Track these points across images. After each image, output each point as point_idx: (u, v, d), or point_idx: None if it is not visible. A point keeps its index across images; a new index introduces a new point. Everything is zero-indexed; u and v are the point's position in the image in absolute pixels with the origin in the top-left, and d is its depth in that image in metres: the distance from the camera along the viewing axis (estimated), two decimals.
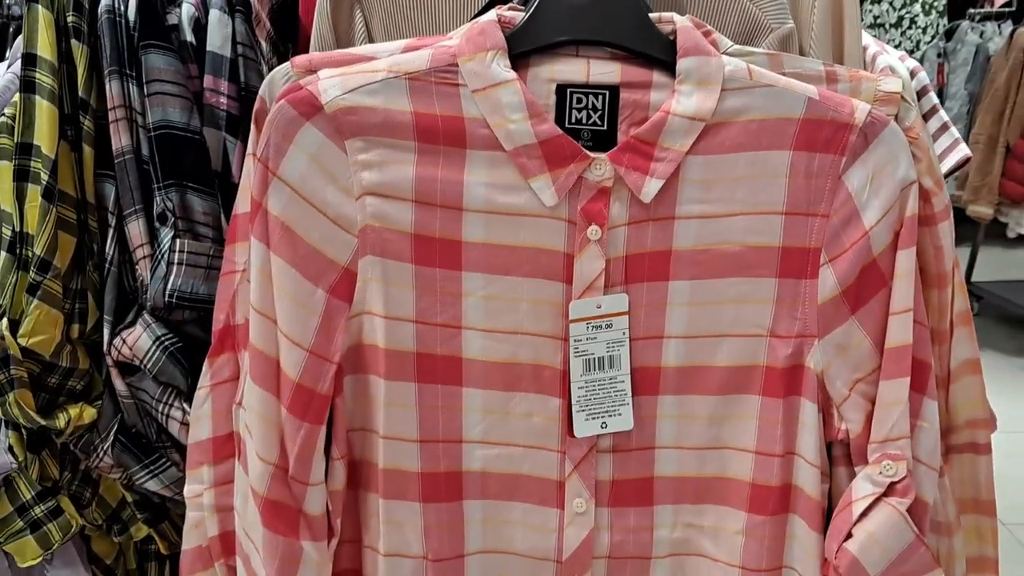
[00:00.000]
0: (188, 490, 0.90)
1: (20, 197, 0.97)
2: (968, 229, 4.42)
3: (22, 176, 0.97)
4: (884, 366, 0.77)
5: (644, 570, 0.85)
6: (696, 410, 0.81)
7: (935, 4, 5.07)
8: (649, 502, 0.83)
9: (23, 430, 0.99)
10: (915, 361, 0.76)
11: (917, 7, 5.05)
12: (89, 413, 1.01)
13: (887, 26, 5.10)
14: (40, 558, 1.02)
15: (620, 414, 0.80)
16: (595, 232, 0.76)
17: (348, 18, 0.97)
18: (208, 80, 1.00)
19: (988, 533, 0.84)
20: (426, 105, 0.75)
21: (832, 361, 0.77)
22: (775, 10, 0.93)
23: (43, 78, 0.96)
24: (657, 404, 0.81)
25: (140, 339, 0.98)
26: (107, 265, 1.00)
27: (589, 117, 0.77)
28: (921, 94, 1.30)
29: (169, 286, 0.96)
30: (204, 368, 0.89)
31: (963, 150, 1.30)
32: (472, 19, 0.80)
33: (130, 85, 0.97)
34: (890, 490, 0.76)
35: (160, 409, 1.00)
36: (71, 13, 0.97)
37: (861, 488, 0.77)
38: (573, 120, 0.77)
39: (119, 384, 1.00)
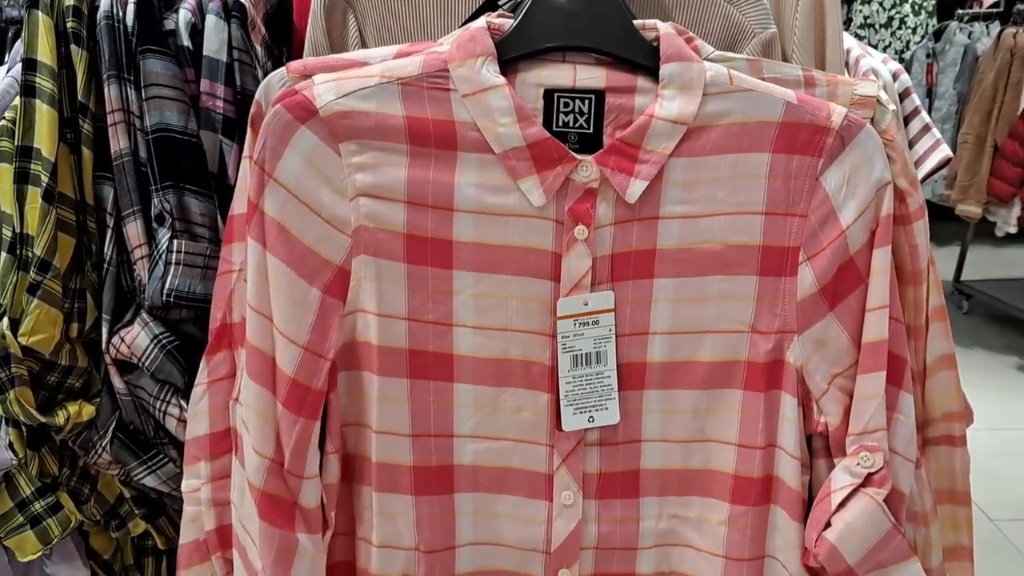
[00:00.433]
0: (185, 485, 0.92)
1: (20, 199, 0.98)
2: (957, 228, 4.47)
3: (22, 178, 0.98)
4: (861, 361, 0.79)
5: (631, 561, 0.87)
6: (680, 404, 0.83)
7: (924, 5, 5.11)
8: (635, 494, 0.86)
9: (23, 427, 1.01)
10: (891, 356, 0.79)
11: (907, 7, 5.09)
12: (88, 410, 1.02)
13: (877, 26, 5.14)
14: (39, 553, 1.04)
15: (607, 408, 0.83)
16: (582, 232, 0.79)
17: (341, 23, 0.99)
18: (205, 84, 1.01)
19: (963, 523, 0.87)
20: (418, 109, 0.78)
21: (811, 356, 0.80)
22: (758, 15, 0.95)
23: (43, 82, 0.98)
24: (643, 398, 0.83)
25: (138, 338, 1.00)
26: (106, 265, 1.01)
27: (576, 120, 0.79)
28: (903, 96, 1.33)
29: (167, 286, 0.98)
30: (201, 365, 0.91)
31: (944, 151, 1.32)
32: (462, 26, 0.83)
33: (128, 89, 0.99)
34: (867, 481, 0.78)
35: (158, 406, 1.01)
36: (70, 19, 0.99)
37: (840, 479, 0.79)
38: (560, 123, 0.79)
39: (117, 382, 1.02)
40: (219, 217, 1.01)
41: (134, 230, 1.00)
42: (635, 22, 0.79)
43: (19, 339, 0.97)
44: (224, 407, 0.89)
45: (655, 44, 0.79)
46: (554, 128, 0.79)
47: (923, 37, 4.91)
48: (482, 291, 0.81)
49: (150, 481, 1.04)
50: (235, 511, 0.87)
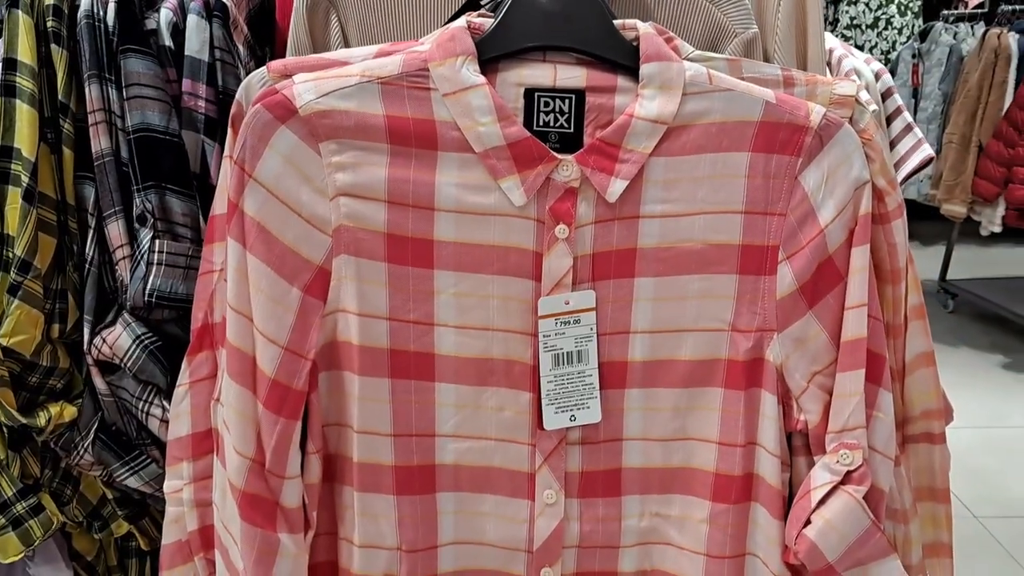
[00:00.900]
0: (168, 486, 0.92)
1: (0, 199, 0.98)
2: (942, 228, 4.49)
3: (2, 179, 0.98)
4: (840, 359, 0.80)
5: (613, 559, 0.87)
6: (662, 403, 0.84)
7: (910, 5, 5.14)
8: (617, 492, 0.86)
9: (4, 428, 1.01)
10: (870, 354, 0.79)
11: (892, 8, 5.12)
12: (69, 411, 1.02)
13: (863, 27, 5.16)
14: (21, 554, 1.03)
15: (588, 407, 0.83)
16: (563, 231, 0.79)
17: (324, 23, 0.99)
18: (186, 84, 1.01)
19: (943, 520, 0.88)
20: (398, 108, 0.78)
21: (791, 354, 0.80)
22: (739, 15, 0.96)
23: (23, 82, 0.97)
24: (624, 397, 0.84)
25: (120, 338, 1.00)
26: (87, 266, 1.01)
27: (556, 120, 0.79)
28: (886, 96, 1.34)
29: (149, 286, 0.98)
30: (183, 366, 0.90)
31: (926, 150, 1.33)
32: (443, 25, 0.83)
33: (109, 89, 0.99)
34: (847, 478, 0.79)
35: (140, 407, 1.01)
36: (50, 18, 0.98)
37: (819, 477, 0.80)
38: (541, 123, 0.79)
39: (99, 382, 1.02)
40: (201, 217, 1.01)
41: (116, 230, 1.00)
42: (615, 22, 0.80)
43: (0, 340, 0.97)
44: (206, 407, 0.89)
45: (635, 44, 0.79)
46: (535, 127, 0.79)
47: (909, 38, 4.94)
48: (463, 290, 0.81)
49: (133, 482, 1.04)
50: (217, 511, 0.86)
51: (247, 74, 0.96)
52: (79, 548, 1.15)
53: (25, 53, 0.98)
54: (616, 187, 0.78)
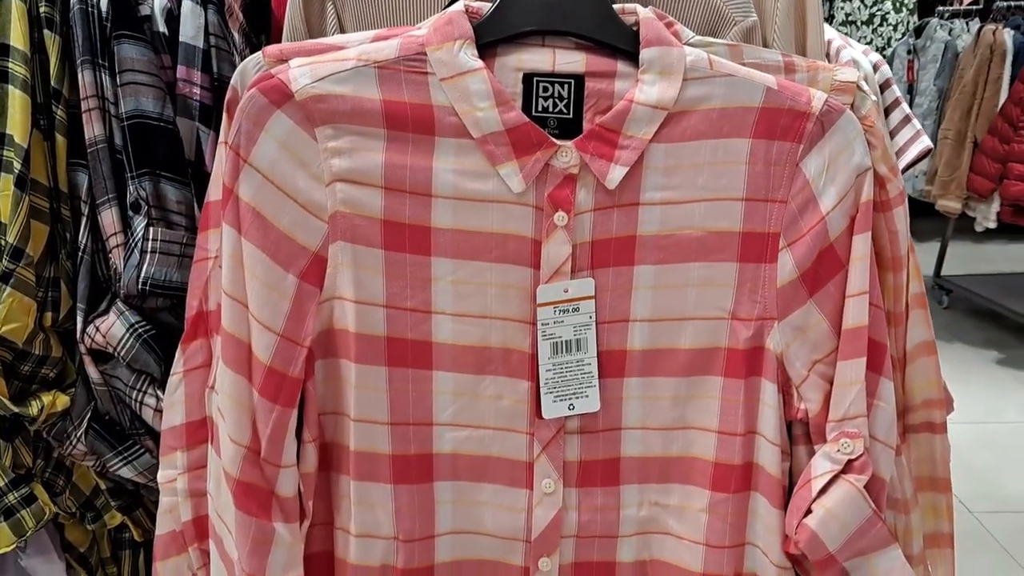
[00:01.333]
0: (162, 475, 0.91)
1: None
2: (937, 224, 4.49)
3: None
4: (841, 347, 0.79)
5: (611, 549, 0.87)
6: (661, 391, 0.83)
7: (905, 1, 5.14)
8: (616, 482, 0.85)
9: None
10: (871, 342, 0.79)
11: (888, 4, 5.12)
12: (62, 401, 1.01)
13: (859, 23, 5.17)
14: (13, 545, 1.02)
15: (587, 396, 0.82)
16: (562, 218, 0.78)
17: (320, 10, 0.98)
18: (181, 71, 1.01)
19: (944, 510, 0.87)
20: (395, 93, 0.77)
21: (791, 343, 0.80)
22: (739, 3, 0.95)
23: (16, 68, 0.96)
24: (623, 386, 0.83)
25: (113, 327, 0.99)
26: (80, 253, 1.00)
27: (555, 105, 0.78)
28: (884, 87, 1.33)
29: (142, 274, 0.97)
30: (177, 355, 0.90)
31: (924, 142, 1.32)
32: (441, 10, 0.82)
33: (103, 75, 0.98)
34: (848, 467, 0.78)
35: (134, 396, 1.00)
36: (43, 3, 0.97)
37: (820, 466, 0.79)
38: (540, 108, 0.78)
39: (92, 372, 1.01)
40: (196, 205, 1.00)
41: (109, 218, 0.99)
42: (615, 6, 0.79)
43: None
44: (201, 396, 0.88)
45: (635, 29, 0.78)
46: (533, 113, 0.78)
47: (904, 34, 4.94)
48: (461, 278, 0.80)
49: (126, 472, 1.03)
50: (211, 501, 0.86)
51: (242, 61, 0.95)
52: (72, 539, 1.14)
53: (18, 39, 0.96)
54: (616, 174, 0.77)
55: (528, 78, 0.78)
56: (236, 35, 1.06)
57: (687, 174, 0.78)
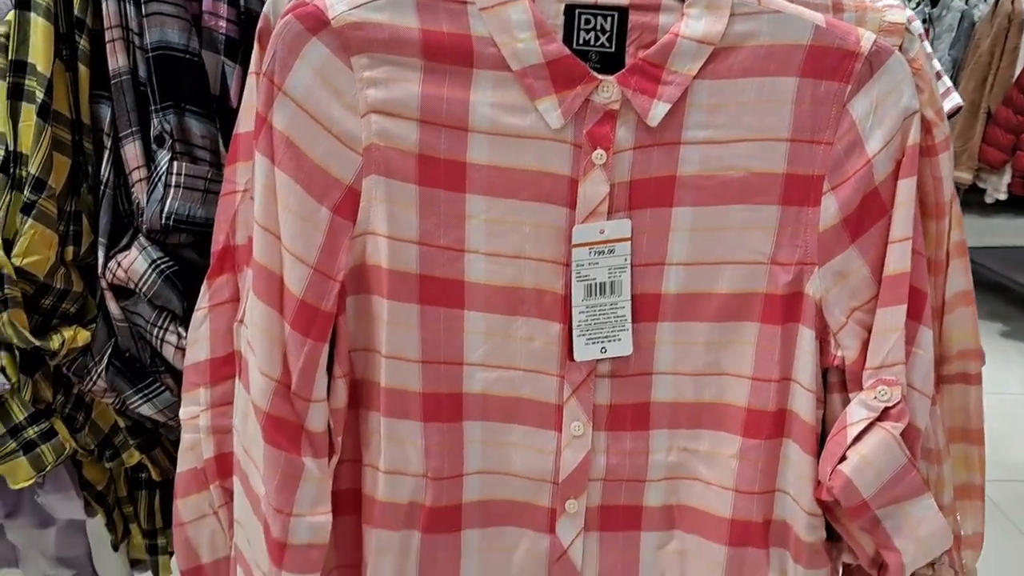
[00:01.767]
0: (184, 412, 0.90)
1: (14, 115, 0.95)
2: None
3: (16, 94, 0.95)
4: (881, 294, 0.78)
5: (638, 493, 0.86)
6: (694, 337, 0.82)
7: None
8: (645, 426, 0.84)
9: (16, 351, 0.99)
10: (912, 289, 0.77)
11: None
12: (83, 336, 1.00)
13: None
14: (32, 480, 1.02)
15: (620, 339, 0.81)
16: (600, 156, 0.76)
17: None
18: (207, 3, 0.97)
19: (976, 461, 0.86)
20: (433, 22, 0.75)
21: (831, 289, 0.78)
22: None
23: None
24: (656, 330, 0.82)
25: (135, 262, 0.97)
26: (102, 187, 0.98)
27: (597, 39, 0.76)
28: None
29: (166, 209, 0.95)
30: (203, 289, 0.88)
31: (956, 99, 1.31)
32: None
33: (127, 5, 0.95)
34: (884, 415, 0.77)
35: (155, 333, 0.99)
36: None
37: (856, 413, 0.78)
38: (581, 41, 0.76)
39: (113, 307, 1.00)
40: (220, 140, 0.98)
41: (132, 151, 0.97)
42: None
43: (12, 260, 0.94)
44: (225, 332, 0.87)
45: None
46: (574, 46, 0.76)
47: (919, 3, 4.88)
48: (495, 216, 0.79)
49: (146, 410, 1.02)
50: (237, 436, 0.85)
51: None
52: (89, 477, 1.13)
53: None
54: (658, 110, 0.75)
55: (570, 9, 0.76)
56: None
57: (731, 112, 0.76)
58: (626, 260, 0.80)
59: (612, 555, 0.88)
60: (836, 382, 0.81)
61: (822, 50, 0.75)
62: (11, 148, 0.95)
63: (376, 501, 0.83)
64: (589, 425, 0.83)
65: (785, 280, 0.79)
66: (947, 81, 1.32)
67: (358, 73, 0.75)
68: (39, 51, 0.94)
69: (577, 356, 0.81)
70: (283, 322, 0.78)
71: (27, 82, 0.95)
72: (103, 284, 0.99)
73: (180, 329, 0.98)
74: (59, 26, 0.96)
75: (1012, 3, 3.98)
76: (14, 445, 1.00)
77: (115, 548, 1.18)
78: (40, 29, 0.94)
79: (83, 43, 0.97)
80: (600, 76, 0.75)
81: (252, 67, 0.84)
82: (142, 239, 0.98)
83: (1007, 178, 3.88)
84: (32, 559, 1.21)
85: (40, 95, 0.94)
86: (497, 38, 0.74)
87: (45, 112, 0.94)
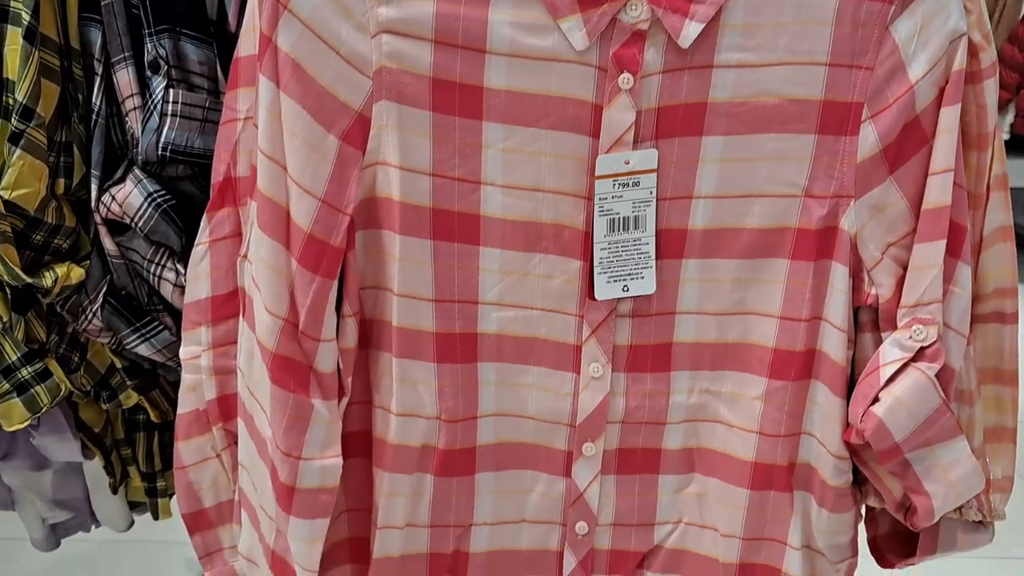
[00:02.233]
0: (184, 352, 0.87)
1: None
2: None
3: (1, 16, 0.89)
4: (920, 228, 0.74)
5: (658, 436, 0.83)
6: (721, 274, 0.78)
7: None
8: (667, 368, 0.81)
9: (7, 288, 0.94)
10: (951, 224, 0.74)
11: None
12: (77, 273, 0.96)
13: None
14: (27, 422, 0.98)
15: (643, 277, 0.78)
16: (627, 80, 0.72)
17: None
18: None
19: (1008, 403, 0.83)
20: None
21: (867, 223, 0.75)
22: None
23: None
24: (681, 267, 0.78)
25: (130, 196, 0.93)
26: (94, 116, 0.93)
27: None
28: None
29: (162, 139, 0.90)
30: (202, 223, 0.84)
31: None
32: None
33: None
34: (919, 355, 0.74)
35: (152, 270, 0.95)
36: None
37: (889, 353, 0.75)
38: None
39: (108, 243, 0.95)
40: (219, 67, 0.93)
41: (125, 78, 0.92)
42: None
43: (1, 193, 0.90)
44: (227, 268, 0.83)
45: None
46: None
47: None
48: (512, 146, 0.74)
49: (143, 350, 0.99)
50: (242, 377, 0.81)
51: None
52: (86, 419, 1.10)
53: None
54: (691, 31, 0.70)
55: None
56: None
57: (767, 34, 0.71)
58: (651, 193, 0.76)
59: (629, 498, 0.85)
60: (868, 321, 0.78)
61: None
62: None
63: (388, 444, 0.80)
64: (608, 366, 0.80)
65: (819, 214, 0.75)
66: None
67: None
68: None
69: (598, 295, 0.77)
70: (290, 258, 0.74)
71: (12, 4, 0.89)
72: (97, 219, 0.95)
73: (178, 266, 0.94)
74: None
75: None
76: (7, 386, 0.96)
77: (114, 491, 1.15)
78: None
79: None
80: None
81: None
82: (137, 171, 0.93)
83: (1010, 118, 3.82)
84: (28, 501, 1.19)
85: (27, 17, 0.88)
86: None
87: (32, 36, 0.88)
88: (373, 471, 0.82)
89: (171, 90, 0.90)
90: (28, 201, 0.91)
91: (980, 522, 0.84)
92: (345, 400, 0.79)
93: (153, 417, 1.08)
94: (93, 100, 0.93)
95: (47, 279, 0.94)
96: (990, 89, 0.74)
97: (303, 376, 0.76)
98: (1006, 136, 3.80)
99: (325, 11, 0.70)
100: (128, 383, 1.06)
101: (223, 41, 0.93)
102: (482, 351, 0.80)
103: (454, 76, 0.72)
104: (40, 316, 0.99)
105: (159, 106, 0.91)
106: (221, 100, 0.87)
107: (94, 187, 0.94)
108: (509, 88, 0.72)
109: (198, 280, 0.85)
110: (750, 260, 0.78)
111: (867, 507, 0.87)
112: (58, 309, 0.98)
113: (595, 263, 0.77)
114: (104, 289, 0.97)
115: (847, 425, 0.78)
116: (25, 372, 0.97)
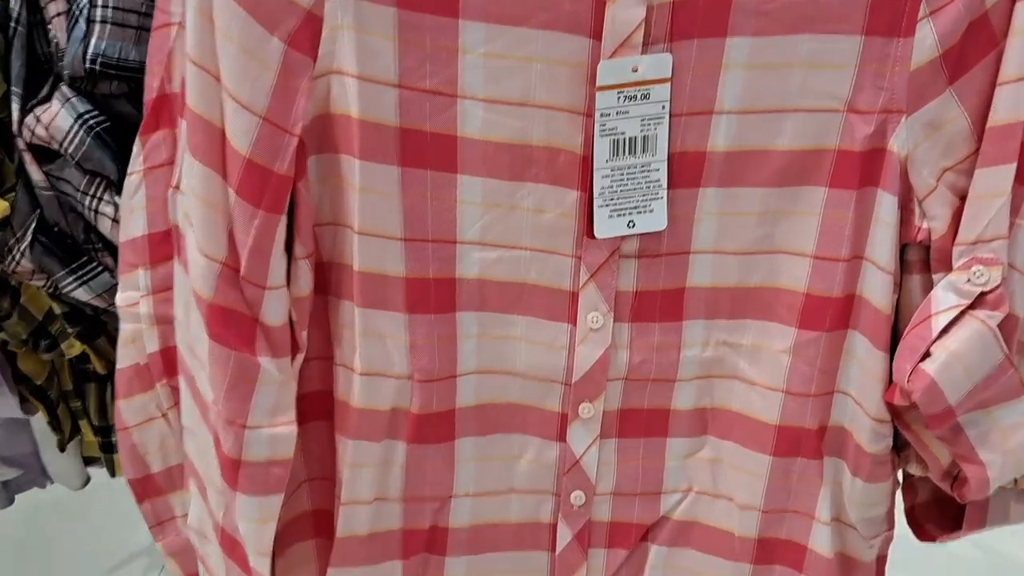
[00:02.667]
0: (121, 298, 0.76)
1: None
2: None
3: None
4: (984, 149, 0.63)
5: (666, 394, 0.73)
6: (744, 206, 0.67)
7: None
8: (678, 317, 0.71)
9: None
10: (1023, 144, 0.62)
11: None
12: (1, 207, 0.85)
13: None
14: None
15: (652, 210, 0.66)
16: None
17: None
18: None
19: None
20: None
21: (920, 143, 0.63)
22: None
23: None
24: (697, 198, 0.67)
25: (58, 117, 0.81)
26: (12, 24, 0.81)
27: None
28: None
29: (91, 49, 0.78)
30: (135, 148, 0.73)
31: None
32: None
33: None
34: (979, 301, 0.63)
35: (87, 203, 0.84)
36: None
37: (943, 299, 0.64)
38: None
39: (35, 173, 0.84)
40: None
41: None
42: None
43: None
44: (166, 200, 0.72)
45: None
46: None
47: None
48: (496, 50, 0.62)
49: (81, 294, 0.88)
50: (180, 330, 0.71)
51: None
52: (25, 370, 1.00)
53: None
54: None
55: None
56: None
57: None
58: (664, 108, 0.64)
59: (632, 464, 0.76)
60: (917, 260, 0.67)
61: None
62: None
63: (351, 408, 0.70)
64: (610, 316, 0.69)
65: (864, 132, 0.63)
66: None
67: None
68: None
69: (598, 232, 0.66)
70: (227, 188, 0.63)
71: None
72: (21, 144, 0.83)
73: (117, 198, 0.83)
74: None
75: None
76: None
77: (61, 448, 1.06)
78: None
79: None
80: None
81: None
82: (65, 89, 0.82)
83: None
84: None
85: None
86: None
87: None
88: (336, 438, 0.72)
89: None
90: None
91: None
92: (300, 357, 0.68)
93: (99, 368, 0.98)
94: (11, 5, 0.82)
95: None
96: None
97: (247, 330, 0.65)
98: None
99: None
100: (69, 331, 0.95)
101: None
102: (461, 299, 0.69)
103: None
104: None
105: (86, 11, 0.79)
106: None
107: (16, 107, 0.82)
108: None
109: (133, 215, 0.74)
110: (780, 189, 0.66)
111: (905, 473, 0.77)
112: None
113: (595, 194, 0.66)
114: (33, 225, 0.86)
115: (890, 383, 0.67)
116: None
